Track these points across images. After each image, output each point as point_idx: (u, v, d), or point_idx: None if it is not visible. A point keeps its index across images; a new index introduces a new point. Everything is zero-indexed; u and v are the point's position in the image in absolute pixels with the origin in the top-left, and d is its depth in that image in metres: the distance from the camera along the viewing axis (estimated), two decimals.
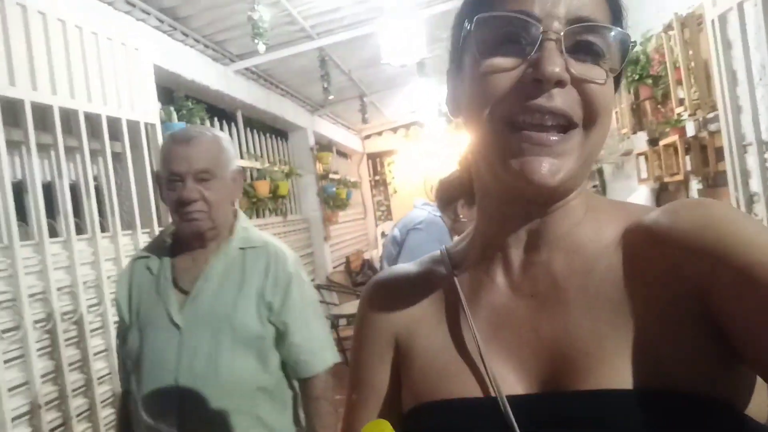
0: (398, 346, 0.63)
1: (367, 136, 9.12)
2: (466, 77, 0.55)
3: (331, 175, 6.81)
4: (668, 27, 3.13)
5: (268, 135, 5.56)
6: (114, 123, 2.75)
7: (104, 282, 2.54)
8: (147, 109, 3.00)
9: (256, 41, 2.85)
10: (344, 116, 7.34)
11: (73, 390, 2.32)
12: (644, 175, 3.88)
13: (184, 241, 1.47)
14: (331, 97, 4.66)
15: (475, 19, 0.52)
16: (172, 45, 3.45)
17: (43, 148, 2.38)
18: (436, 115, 8.01)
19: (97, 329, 2.50)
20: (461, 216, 2.59)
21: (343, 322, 5.37)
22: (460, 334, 0.58)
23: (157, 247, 1.51)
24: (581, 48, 0.50)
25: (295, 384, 1.47)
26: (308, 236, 6.31)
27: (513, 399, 0.52)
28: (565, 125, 0.50)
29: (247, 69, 4.33)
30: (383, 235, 8.65)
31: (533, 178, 0.49)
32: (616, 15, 0.53)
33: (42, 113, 2.36)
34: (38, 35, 2.33)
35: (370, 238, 8.98)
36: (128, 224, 2.81)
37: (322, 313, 1.53)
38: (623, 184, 4.62)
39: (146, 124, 2.96)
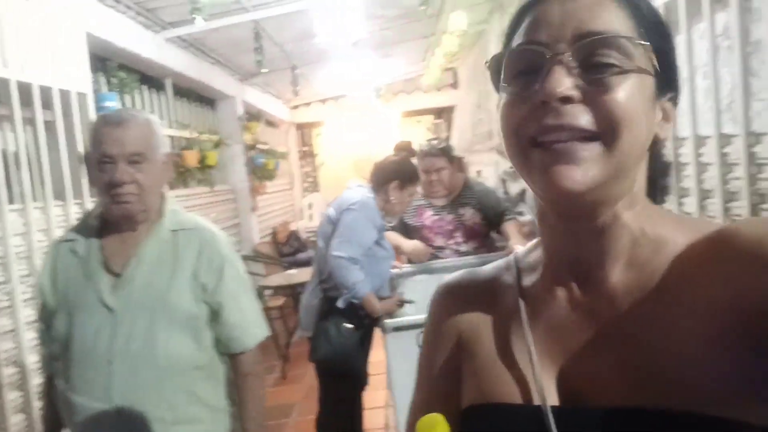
0: (461, 347, 0.66)
1: (296, 107, 9.09)
2: (499, 108, 0.59)
3: (259, 145, 6.79)
4: None
5: (196, 104, 5.48)
6: (46, 92, 2.70)
7: (35, 253, 2.53)
8: (79, 79, 2.94)
9: (194, 16, 2.85)
10: (274, 86, 7.29)
11: (5, 359, 2.34)
12: None
13: (112, 224, 1.45)
14: (264, 70, 4.66)
15: (491, 57, 0.57)
16: (104, 12, 3.36)
17: None
18: (366, 90, 8.12)
19: (28, 299, 2.49)
20: (392, 198, 2.74)
21: (269, 293, 5.48)
22: (518, 343, 0.60)
23: (82, 230, 1.48)
24: (596, 62, 0.51)
25: (227, 359, 1.52)
26: (235, 207, 6.30)
27: (557, 410, 0.53)
28: (584, 138, 0.51)
29: (178, 37, 4.26)
30: (310, 206, 8.73)
31: (559, 186, 0.50)
32: (639, 17, 0.54)
33: None
34: None
35: (297, 210, 9.03)
36: (59, 194, 2.78)
37: (252, 289, 1.58)
38: None
39: (78, 94, 2.91)
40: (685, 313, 0.51)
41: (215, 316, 1.45)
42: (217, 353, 1.49)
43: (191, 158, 4.79)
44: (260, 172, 6.68)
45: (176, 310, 1.40)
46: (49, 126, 2.76)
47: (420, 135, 9.72)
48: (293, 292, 5.30)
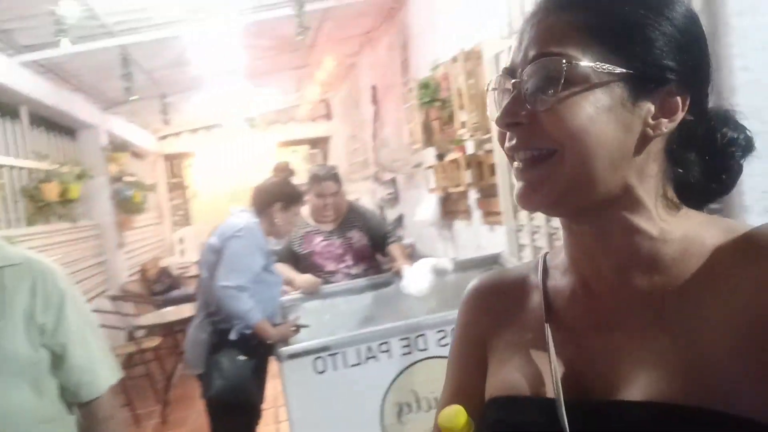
0: (487, 344, 0.68)
1: (164, 137, 8.70)
2: None
3: (125, 178, 6.39)
4: (455, 59, 3.62)
5: (55, 133, 5.08)
6: None
7: None
8: None
9: (59, 37, 2.67)
10: (140, 115, 6.94)
11: None
12: (432, 185, 4.37)
13: None
14: (134, 97, 4.45)
15: (488, 84, 0.61)
16: None
17: None
18: (239, 119, 8.00)
19: None
20: (277, 220, 2.71)
21: (142, 333, 5.12)
22: (539, 341, 0.61)
23: None
24: (543, 84, 0.53)
25: (76, 409, 1.36)
26: (100, 243, 5.86)
27: (571, 403, 0.54)
28: (541, 155, 0.54)
29: (35, 62, 3.95)
30: (182, 241, 8.33)
31: (520, 202, 0.56)
32: (600, 23, 0.53)
33: None
34: None
35: (167, 245, 8.57)
36: None
37: (98, 328, 1.45)
38: (414, 193, 5.13)
39: None
40: (713, 313, 0.51)
41: (58, 361, 1.29)
42: (64, 403, 1.32)
43: (51, 191, 4.40)
44: (127, 205, 6.28)
45: (10, 359, 1.21)
46: None
47: (296, 165, 9.73)
48: (170, 330, 5.00)
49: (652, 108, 0.54)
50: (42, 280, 1.28)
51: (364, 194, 6.74)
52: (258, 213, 2.72)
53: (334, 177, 2.99)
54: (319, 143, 9.60)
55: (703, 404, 0.47)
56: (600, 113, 0.52)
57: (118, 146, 6.26)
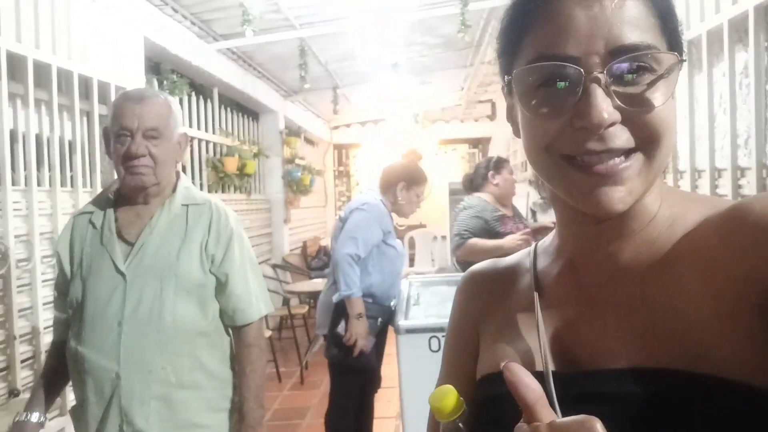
0: (479, 327, 0.70)
1: (336, 127, 9.33)
2: (519, 115, 0.56)
3: (297, 160, 6.99)
4: None
5: (240, 114, 5.75)
6: (104, 87, 2.95)
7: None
8: (134, 78, 3.19)
9: (244, 27, 3.06)
10: (315, 104, 7.54)
11: (21, 335, 2.38)
12: None
13: (127, 197, 1.54)
14: (307, 86, 4.88)
15: (513, 73, 0.53)
16: (162, 19, 3.63)
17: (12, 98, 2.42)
18: (404, 115, 8.31)
19: (48, 280, 2.51)
20: (400, 198, 2.89)
21: (295, 301, 5.62)
22: (528, 319, 0.62)
23: (100, 203, 1.57)
24: (629, 77, 0.49)
25: (230, 331, 1.59)
26: (269, 217, 6.51)
27: (560, 374, 0.55)
28: (625, 153, 0.50)
29: (228, 49, 4.52)
30: None
31: (604, 208, 0.50)
32: (664, 15, 0.52)
33: (38, 70, 2.52)
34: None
35: (328, 227, 9.19)
36: (107, 183, 2.99)
37: (258, 267, 1.65)
38: None
39: None
40: (695, 283, 0.51)
41: (221, 287, 1.54)
42: (221, 324, 1.57)
43: (231, 164, 5.01)
44: (296, 185, 6.87)
45: (184, 278, 1.47)
46: (103, 120, 2.99)
47: (455, 163, 9.85)
48: (317, 301, 5.41)
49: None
50: (217, 219, 1.55)
51: (518, 197, 6.64)
52: (383, 191, 2.91)
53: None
54: (479, 143, 9.62)
55: (687, 368, 0.47)
56: (673, 100, 0.52)
57: (293, 131, 6.87)
